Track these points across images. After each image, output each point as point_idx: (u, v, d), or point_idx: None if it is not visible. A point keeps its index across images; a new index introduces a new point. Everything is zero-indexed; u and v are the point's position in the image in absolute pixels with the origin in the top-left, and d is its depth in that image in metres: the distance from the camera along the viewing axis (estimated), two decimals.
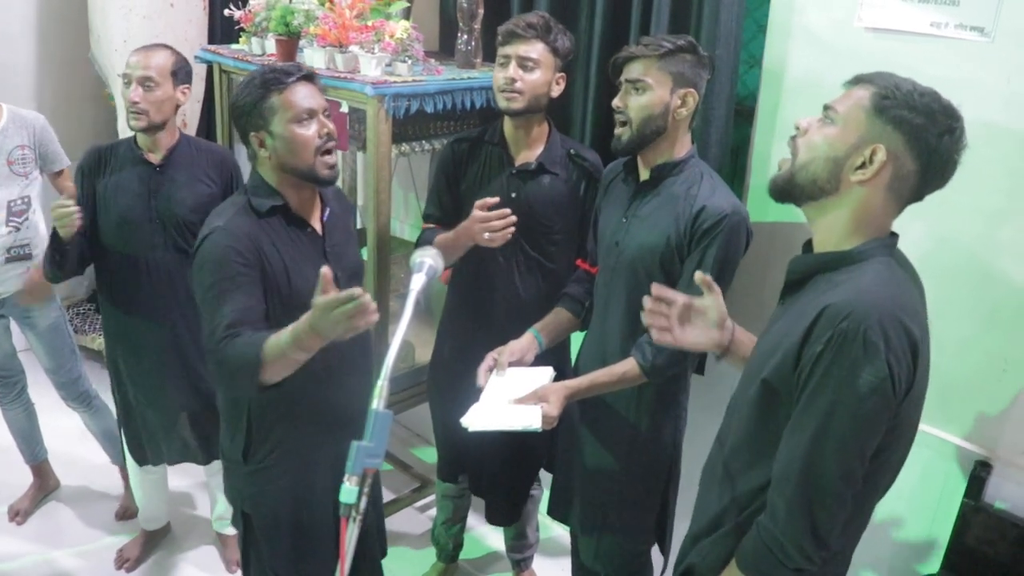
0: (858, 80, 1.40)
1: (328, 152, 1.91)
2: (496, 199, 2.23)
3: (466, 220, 2.25)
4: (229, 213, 1.90)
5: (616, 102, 2.01)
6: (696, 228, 1.93)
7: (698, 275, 1.63)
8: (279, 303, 1.88)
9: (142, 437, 2.72)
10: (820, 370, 1.31)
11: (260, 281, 1.84)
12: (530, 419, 1.90)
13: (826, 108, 1.41)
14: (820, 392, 1.31)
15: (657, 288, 1.67)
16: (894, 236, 1.43)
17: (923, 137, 1.33)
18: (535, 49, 2.23)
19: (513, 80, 2.22)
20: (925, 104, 1.33)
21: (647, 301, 1.67)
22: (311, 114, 1.88)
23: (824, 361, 1.30)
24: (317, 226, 1.99)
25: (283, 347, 1.68)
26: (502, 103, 2.28)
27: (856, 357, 1.27)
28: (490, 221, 2.19)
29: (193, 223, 2.50)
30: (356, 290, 1.61)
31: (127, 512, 3.17)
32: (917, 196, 1.40)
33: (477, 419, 1.93)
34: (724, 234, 1.91)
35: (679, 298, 1.65)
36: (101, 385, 2.74)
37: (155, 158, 2.50)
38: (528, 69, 2.23)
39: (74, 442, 3.22)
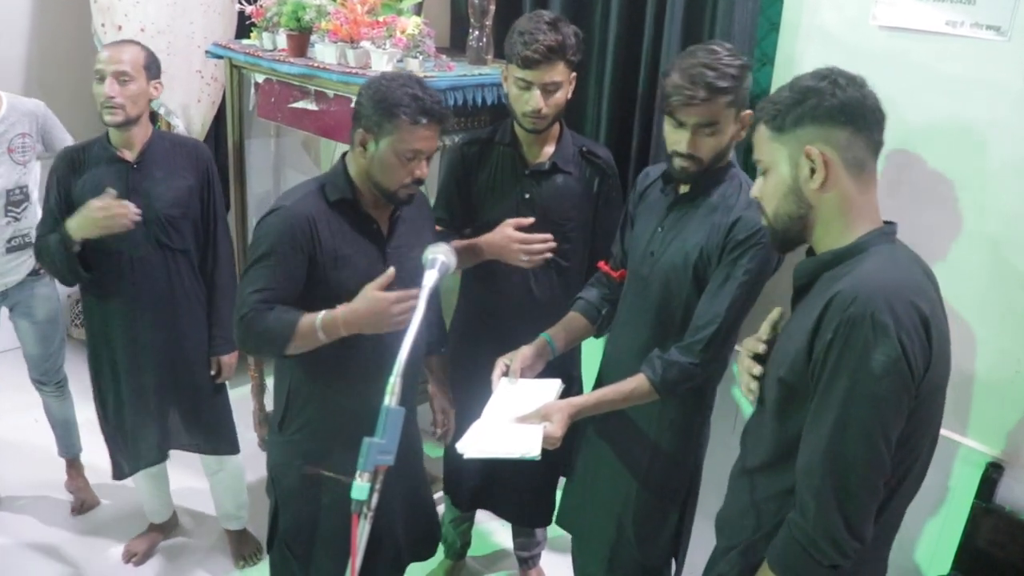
0: (753, 125, 1.50)
1: (412, 186, 1.96)
2: (531, 220, 2.25)
3: (492, 234, 2.26)
4: (299, 195, 1.97)
5: (687, 148, 1.87)
6: (729, 239, 1.89)
7: (776, 310, 1.60)
8: (323, 289, 1.94)
9: (120, 444, 2.71)
10: (832, 358, 1.31)
11: (303, 266, 1.93)
12: (528, 447, 1.81)
13: (756, 163, 1.49)
14: (835, 380, 1.31)
15: (749, 342, 1.63)
16: (891, 224, 1.44)
17: (821, 108, 1.37)
18: (557, 71, 2.20)
19: (539, 110, 2.21)
20: (798, 89, 1.40)
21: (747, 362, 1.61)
22: (416, 155, 1.91)
23: (836, 348, 1.30)
24: (384, 225, 2.02)
25: (313, 329, 1.86)
26: (527, 126, 2.26)
27: (867, 339, 1.27)
28: (530, 243, 2.22)
29: (174, 217, 2.50)
30: (414, 291, 1.71)
31: (84, 506, 3.18)
32: (874, 149, 1.42)
33: (473, 445, 1.85)
34: (756, 248, 1.86)
35: (760, 345, 1.61)
36: None
37: (130, 155, 2.47)
38: (552, 93, 2.22)
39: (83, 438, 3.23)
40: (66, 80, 4.11)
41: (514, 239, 2.23)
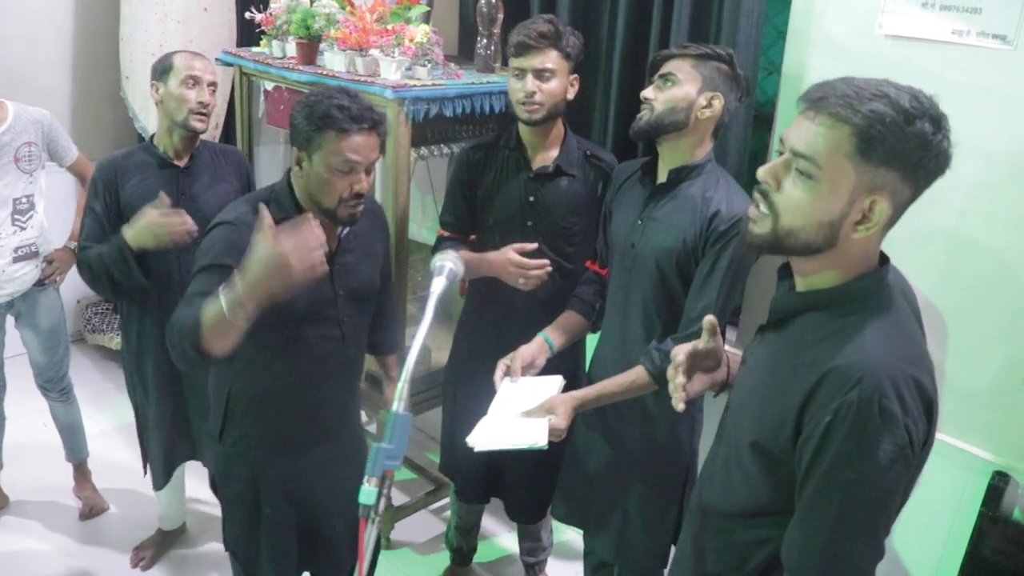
0: (817, 106, 1.19)
1: (353, 204, 1.90)
2: (534, 245, 2.30)
3: (494, 255, 2.31)
4: (243, 209, 1.90)
5: (646, 93, 2.01)
6: (711, 231, 1.94)
7: (708, 319, 1.49)
8: (269, 309, 1.71)
9: (157, 452, 2.73)
10: (833, 445, 1.17)
11: None
12: (536, 436, 1.87)
13: (798, 155, 1.20)
14: (838, 471, 1.18)
15: (679, 351, 1.49)
16: (885, 266, 1.28)
17: (921, 166, 1.16)
18: (550, 58, 2.23)
19: (533, 93, 2.23)
20: (917, 132, 1.14)
21: (671, 372, 1.49)
22: (353, 168, 1.85)
23: (837, 434, 1.16)
24: (332, 241, 1.99)
25: (219, 308, 1.59)
26: (523, 116, 2.28)
27: (874, 429, 1.14)
28: (527, 269, 2.27)
29: None
30: (309, 217, 1.63)
31: (92, 511, 3.19)
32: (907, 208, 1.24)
33: (482, 438, 1.90)
34: (738, 238, 1.91)
35: (682, 352, 1.48)
36: (119, 386, 2.75)
37: (181, 161, 2.51)
38: (545, 79, 2.23)
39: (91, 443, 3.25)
40: (85, 90, 4.16)
41: (513, 262, 2.28)
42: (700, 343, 1.49)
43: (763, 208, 1.25)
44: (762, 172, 1.25)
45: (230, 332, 1.62)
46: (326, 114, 1.81)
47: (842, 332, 1.21)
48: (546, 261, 2.29)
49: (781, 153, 1.24)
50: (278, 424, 2.04)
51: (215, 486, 2.19)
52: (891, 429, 1.14)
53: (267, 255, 1.56)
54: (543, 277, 2.29)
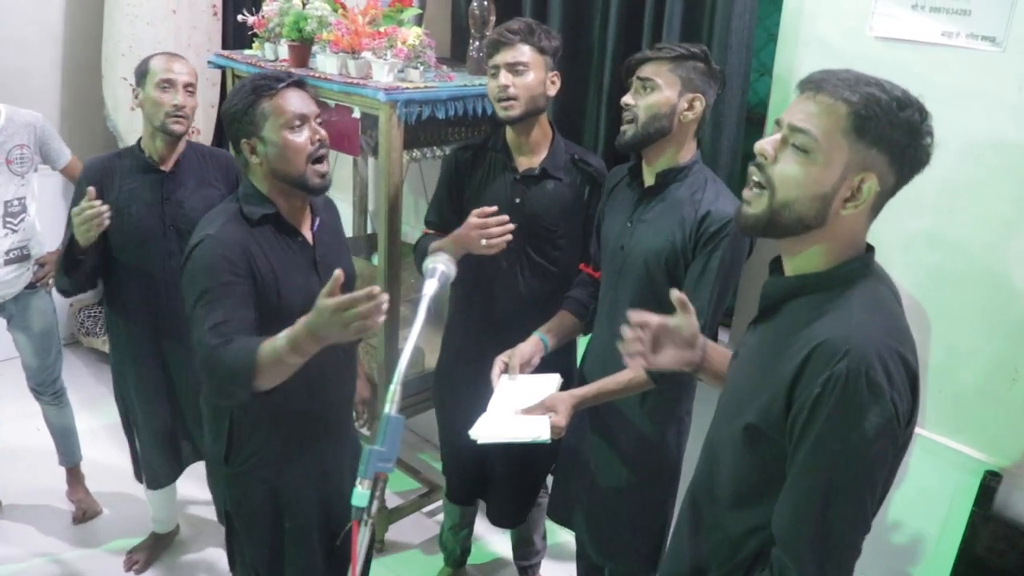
0: (818, 87, 1.25)
1: (320, 160, 1.89)
2: (495, 208, 2.24)
3: (461, 227, 2.26)
4: (220, 221, 1.87)
5: (626, 99, 2.02)
6: (701, 233, 1.95)
7: (674, 294, 1.54)
8: (269, 313, 1.85)
9: (149, 456, 2.72)
10: (821, 416, 1.19)
11: (251, 291, 1.82)
12: (539, 430, 1.89)
13: (795, 130, 1.25)
14: (825, 441, 1.20)
15: (635, 314, 1.55)
16: (870, 251, 1.33)
17: (907, 154, 1.23)
18: (522, 53, 2.24)
19: (506, 87, 2.23)
20: (907, 119, 1.21)
21: (626, 330, 1.55)
22: (303, 120, 1.86)
23: (825, 406, 1.19)
24: (308, 235, 1.98)
25: (278, 352, 1.66)
26: (500, 112, 2.28)
27: (861, 400, 1.17)
28: (487, 228, 2.20)
29: None
30: (374, 288, 1.59)
31: (86, 515, 3.18)
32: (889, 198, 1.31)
33: (485, 431, 1.92)
34: (728, 239, 1.93)
35: (653, 320, 1.54)
36: (112, 390, 2.75)
37: (166, 165, 2.50)
38: (519, 73, 2.24)
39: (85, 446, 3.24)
40: (76, 94, 4.16)
41: (472, 224, 2.21)
42: (671, 319, 1.53)
43: (757, 187, 1.29)
44: (759, 145, 1.30)
45: (286, 371, 1.71)
46: (253, 87, 1.85)
47: (830, 310, 1.25)
48: (505, 217, 2.21)
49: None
50: (287, 432, 2.00)
51: (226, 514, 2.10)
52: (878, 401, 1.17)
53: (335, 320, 1.59)
54: (504, 238, 2.20)
